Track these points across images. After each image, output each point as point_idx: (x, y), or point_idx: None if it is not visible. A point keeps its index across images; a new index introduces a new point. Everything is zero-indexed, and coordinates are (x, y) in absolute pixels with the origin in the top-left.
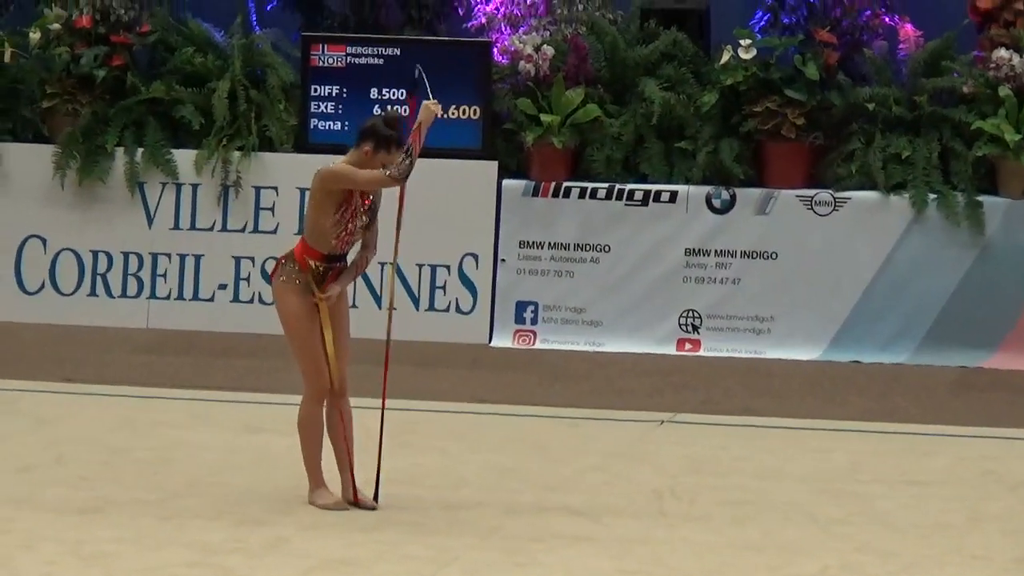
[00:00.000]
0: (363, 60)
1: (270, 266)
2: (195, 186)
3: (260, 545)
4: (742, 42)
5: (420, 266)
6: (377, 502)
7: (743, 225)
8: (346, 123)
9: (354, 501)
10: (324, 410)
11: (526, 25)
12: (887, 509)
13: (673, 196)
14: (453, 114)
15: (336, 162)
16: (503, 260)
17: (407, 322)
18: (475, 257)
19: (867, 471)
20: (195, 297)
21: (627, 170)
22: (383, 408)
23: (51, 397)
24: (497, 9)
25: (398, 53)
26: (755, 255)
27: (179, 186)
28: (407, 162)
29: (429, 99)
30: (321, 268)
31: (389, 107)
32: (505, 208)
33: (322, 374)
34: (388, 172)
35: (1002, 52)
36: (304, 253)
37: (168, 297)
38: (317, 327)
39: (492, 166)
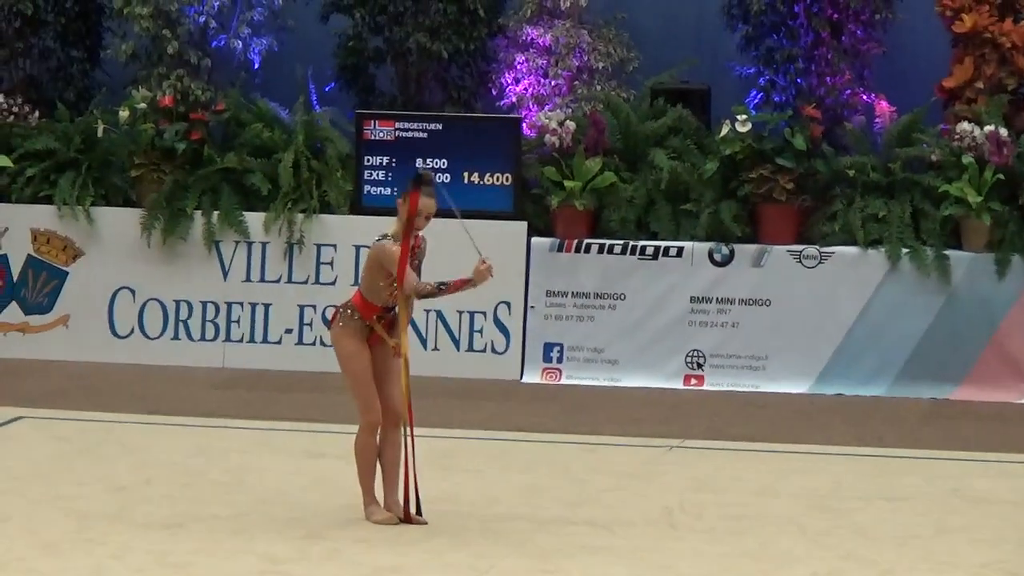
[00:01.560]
0: (409, 133)
1: (330, 313)
2: (264, 244)
3: (320, 556)
4: (739, 117)
5: (460, 312)
6: (421, 515)
7: (741, 276)
8: (395, 189)
9: (404, 518)
10: (377, 438)
11: (551, 103)
12: (866, 522)
13: (680, 251)
14: (488, 181)
15: (390, 233)
16: (532, 307)
17: (449, 361)
18: (508, 304)
19: (849, 489)
20: (264, 340)
21: (639, 229)
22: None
23: (138, 427)
24: (526, 89)
25: (440, 128)
26: (751, 302)
27: (250, 244)
28: (434, 291)
29: (480, 256)
30: (376, 317)
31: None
32: (534, 262)
33: (374, 408)
34: (416, 285)
35: (965, 125)
36: (365, 309)
37: (241, 340)
38: (370, 367)
39: (522, 226)
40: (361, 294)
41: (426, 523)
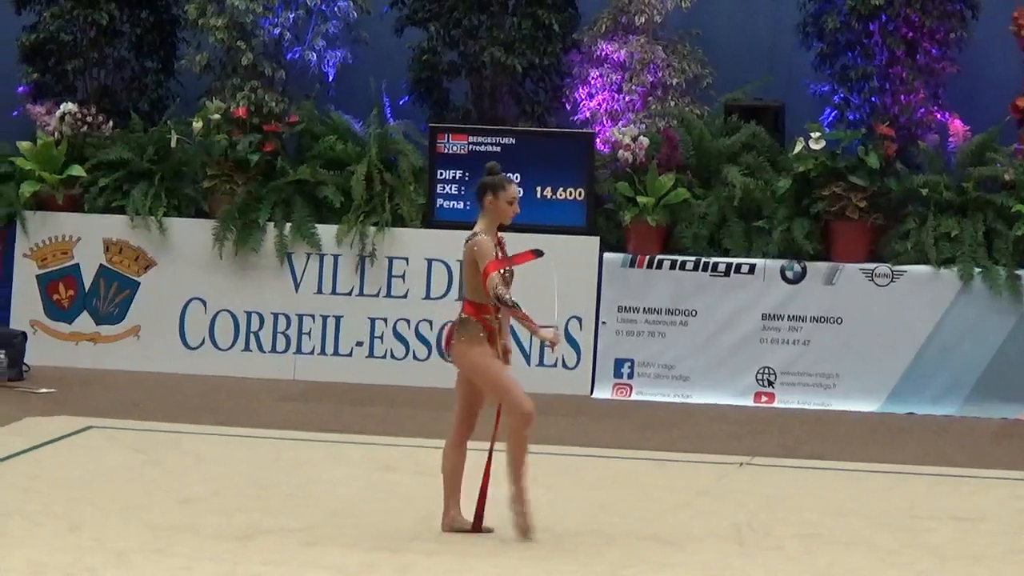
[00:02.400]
0: (483, 147)
1: (401, 326)
2: (336, 256)
3: (391, 569)
4: (813, 135)
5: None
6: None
7: (813, 294)
8: (468, 203)
9: (475, 526)
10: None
11: (625, 119)
12: (937, 542)
13: (752, 268)
14: (560, 195)
15: (479, 230)
16: (604, 323)
17: (519, 375)
18: (579, 320)
19: (920, 509)
20: (335, 353)
21: (712, 245)
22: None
23: (208, 439)
24: (600, 105)
25: (513, 142)
26: (823, 320)
27: (322, 256)
28: (507, 303)
29: (555, 320)
30: (492, 318)
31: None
32: (606, 277)
33: (525, 399)
34: (498, 285)
35: None
36: (477, 312)
37: (312, 352)
38: (501, 364)
39: (594, 241)
40: (469, 302)
41: (492, 530)
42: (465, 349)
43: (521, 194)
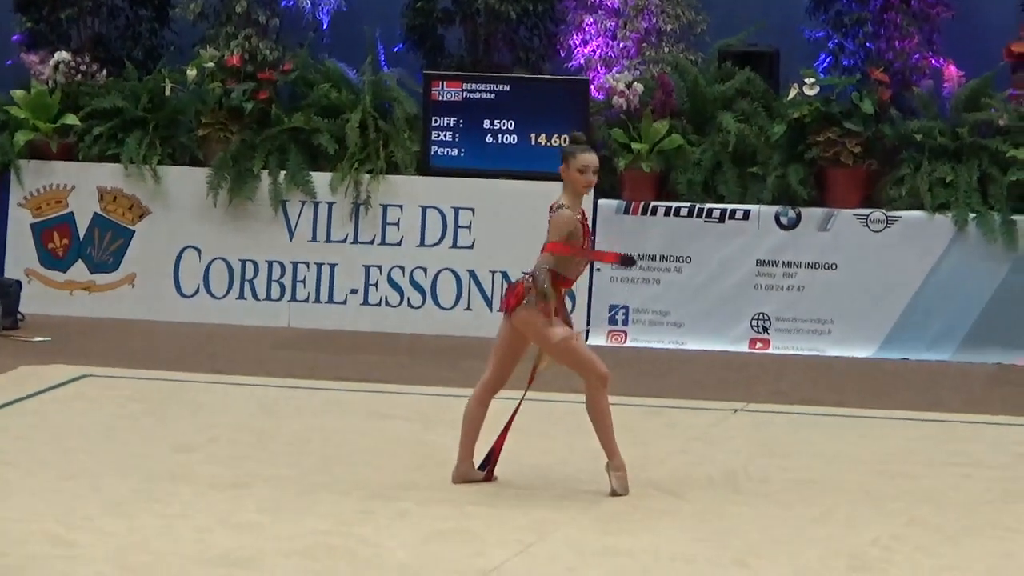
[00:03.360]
0: (477, 95)
1: (396, 274)
2: (330, 204)
3: (386, 516)
4: (807, 81)
5: (525, 274)
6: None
7: (807, 240)
8: (462, 150)
9: (488, 476)
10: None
11: (619, 65)
12: (932, 488)
13: (746, 214)
14: (555, 142)
15: (564, 203)
16: (598, 269)
17: None
18: None
19: (915, 454)
20: (330, 300)
21: (706, 191)
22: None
23: (205, 387)
24: (594, 51)
25: (508, 89)
26: (817, 266)
27: (316, 204)
28: (541, 286)
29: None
30: (564, 292)
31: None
32: (600, 224)
33: (597, 362)
34: (547, 266)
35: None
36: (559, 284)
37: (306, 300)
38: (567, 330)
39: None
40: (554, 272)
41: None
42: (530, 315)
43: (516, 141)
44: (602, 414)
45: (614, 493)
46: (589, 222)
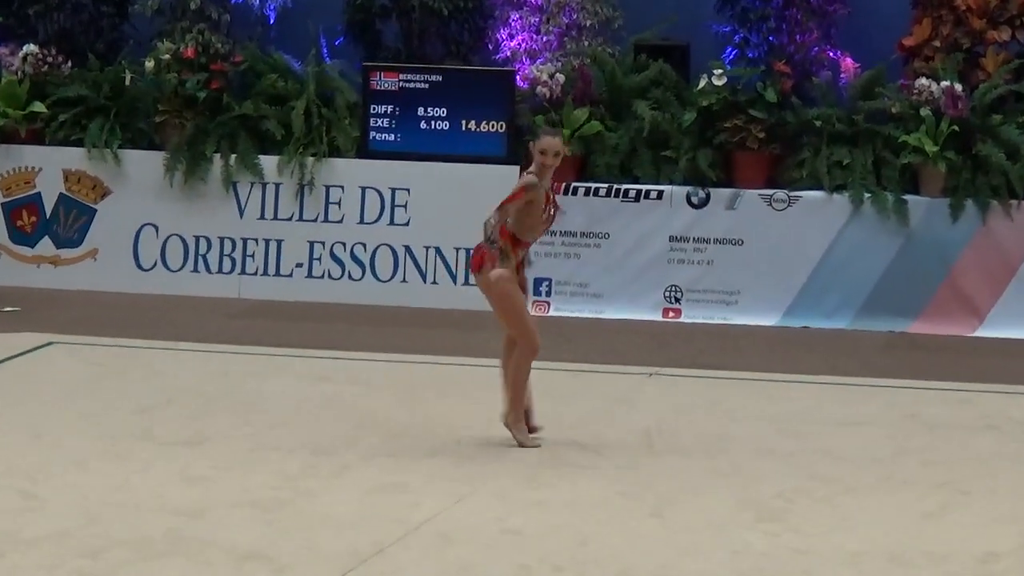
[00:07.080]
0: (412, 84)
1: (338, 249)
2: (277, 185)
3: (329, 472)
4: (715, 72)
5: (457, 249)
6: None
7: (716, 218)
8: (399, 135)
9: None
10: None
11: (542, 57)
12: (831, 445)
13: (660, 194)
14: (483, 128)
15: (526, 175)
16: None
17: (448, 294)
18: None
19: (814, 414)
20: (277, 273)
21: (623, 173)
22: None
23: (162, 353)
24: (519, 45)
25: (440, 79)
26: (725, 242)
27: (264, 185)
28: (488, 234)
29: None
30: (523, 254)
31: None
32: None
33: (536, 335)
34: (496, 222)
35: (923, 81)
36: (512, 242)
37: (256, 273)
38: (523, 299)
39: (514, 169)
40: (513, 235)
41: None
42: (497, 278)
43: (447, 127)
44: (521, 377)
45: (522, 444)
46: (552, 195)
